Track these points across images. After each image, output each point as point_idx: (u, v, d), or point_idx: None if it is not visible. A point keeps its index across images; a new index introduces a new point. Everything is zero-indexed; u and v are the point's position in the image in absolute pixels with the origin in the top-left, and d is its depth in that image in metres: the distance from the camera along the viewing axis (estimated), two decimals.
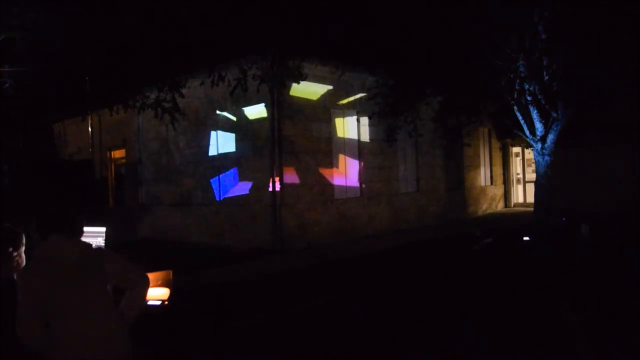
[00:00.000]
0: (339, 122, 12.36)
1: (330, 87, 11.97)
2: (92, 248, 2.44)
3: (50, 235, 2.31)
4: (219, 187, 12.22)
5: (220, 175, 12.19)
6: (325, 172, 11.76)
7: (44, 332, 2.20)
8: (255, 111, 11.23)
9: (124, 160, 16.09)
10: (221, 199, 12.15)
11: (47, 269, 2.23)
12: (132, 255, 2.78)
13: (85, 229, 2.55)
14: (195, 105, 12.29)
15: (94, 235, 3.23)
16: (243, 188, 11.55)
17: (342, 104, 12.42)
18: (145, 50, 8.48)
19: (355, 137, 12.76)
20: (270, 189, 10.73)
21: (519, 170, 18.91)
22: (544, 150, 12.05)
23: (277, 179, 10.67)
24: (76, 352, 2.19)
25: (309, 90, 11.36)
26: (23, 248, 2.49)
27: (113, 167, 16.81)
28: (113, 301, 2.39)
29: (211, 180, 12.42)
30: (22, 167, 12.03)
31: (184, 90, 9.42)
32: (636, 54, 10.06)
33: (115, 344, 2.30)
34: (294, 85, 10.26)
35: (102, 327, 2.28)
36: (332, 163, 11.98)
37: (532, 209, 13.44)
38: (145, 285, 2.49)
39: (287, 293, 7.36)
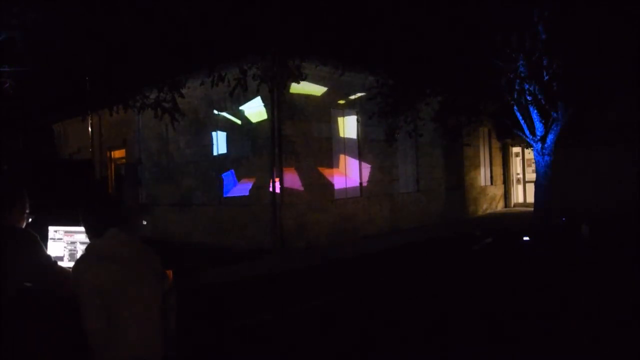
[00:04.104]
0: (339, 122, 12.36)
1: (330, 87, 11.97)
2: (147, 245, 2.39)
3: (106, 230, 2.27)
4: (219, 187, 12.22)
5: (220, 176, 12.19)
6: (325, 172, 11.76)
7: (108, 327, 2.15)
8: (255, 111, 11.22)
9: (124, 160, 16.08)
10: (221, 199, 12.15)
11: (108, 262, 2.19)
12: None
13: (80, 228, 2.52)
14: (195, 105, 12.29)
15: None
16: (243, 188, 11.55)
17: (342, 104, 12.42)
18: (145, 50, 8.47)
19: (355, 137, 12.76)
20: (270, 189, 10.73)
21: (519, 170, 18.91)
22: (544, 150, 12.04)
23: (277, 179, 10.67)
24: (131, 350, 2.15)
25: (309, 90, 11.36)
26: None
27: (113, 167, 16.81)
28: (165, 302, 2.33)
29: (211, 181, 12.42)
30: (22, 167, 12.03)
31: (184, 90, 9.41)
32: (636, 54, 10.05)
33: (159, 345, 2.25)
34: (294, 85, 10.26)
35: (157, 327, 2.24)
36: (332, 163, 11.98)
37: (532, 209, 13.43)
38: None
39: (287, 293, 7.36)
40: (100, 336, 2.15)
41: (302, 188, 11.15)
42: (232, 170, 11.86)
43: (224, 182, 12.13)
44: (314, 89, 11.54)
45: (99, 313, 2.14)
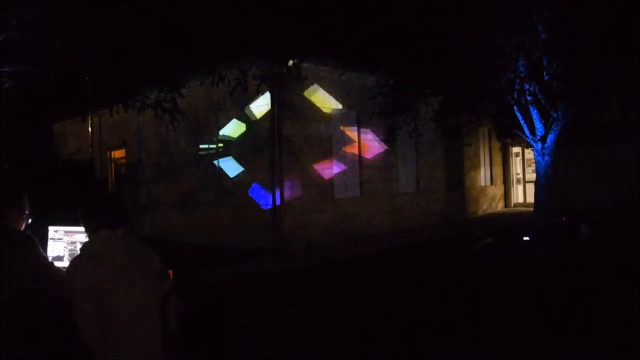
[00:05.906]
0: (338, 121, 12.35)
1: (330, 87, 11.96)
2: (143, 245, 2.36)
3: (100, 230, 2.26)
4: (219, 187, 12.21)
5: (220, 176, 12.19)
6: (325, 172, 11.76)
7: (97, 325, 2.14)
8: (255, 111, 11.23)
9: (124, 160, 16.08)
10: (221, 199, 12.14)
11: (99, 264, 2.18)
12: None
13: (80, 228, 2.51)
14: (195, 105, 12.29)
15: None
16: (243, 188, 11.54)
17: (342, 104, 12.42)
18: (145, 50, 8.47)
19: (355, 137, 12.76)
20: (270, 189, 10.73)
21: (519, 170, 18.92)
22: (544, 150, 12.02)
23: (277, 178, 10.67)
24: (127, 351, 2.14)
25: (308, 90, 11.36)
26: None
27: (113, 167, 16.82)
28: (166, 302, 2.31)
29: (211, 180, 12.42)
30: (22, 167, 12.04)
31: (184, 90, 9.41)
32: (636, 54, 10.04)
33: (158, 347, 2.23)
34: (294, 85, 10.27)
35: (156, 328, 2.22)
36: (332, 163, 11.98)
37: (532, 209, 13.40)
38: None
39: (287, 293, 7.36)
40: (93, 337, 2.14)
41: (302, 188, 11.15)
42: (232, 169, 11.86)
43: (221, 184, 12.13)
44: (314, 89, 11.54)
45: (90, 314, 2.13)
